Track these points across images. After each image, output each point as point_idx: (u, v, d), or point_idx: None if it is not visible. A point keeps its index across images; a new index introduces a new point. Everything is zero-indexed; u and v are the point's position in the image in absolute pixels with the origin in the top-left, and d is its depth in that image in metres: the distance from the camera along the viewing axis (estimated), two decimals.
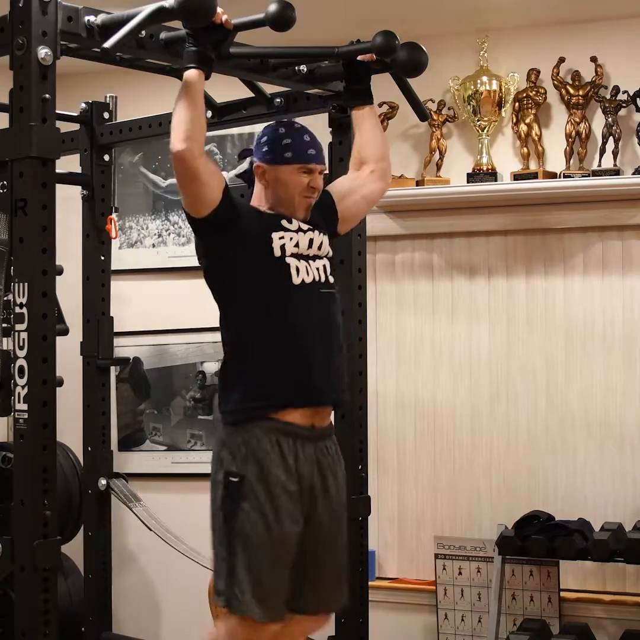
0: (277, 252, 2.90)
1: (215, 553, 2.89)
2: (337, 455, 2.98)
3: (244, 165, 3.15)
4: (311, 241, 2.97)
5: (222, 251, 2.90)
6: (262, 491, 2.80)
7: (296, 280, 2.90)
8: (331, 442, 2.97)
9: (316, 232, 3.00)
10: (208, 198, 2.83)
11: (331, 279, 3.00)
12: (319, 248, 2.99)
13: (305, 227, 2.98)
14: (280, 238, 2.92)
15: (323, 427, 2.93)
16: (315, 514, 2.90)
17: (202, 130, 2.80)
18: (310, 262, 2.95)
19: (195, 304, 4.80)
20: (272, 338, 2.88)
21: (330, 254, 3.05)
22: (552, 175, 4.42)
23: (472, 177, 4.50)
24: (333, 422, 3.02)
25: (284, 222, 2.95)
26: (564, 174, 4.39)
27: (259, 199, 3.01)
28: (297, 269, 2.91)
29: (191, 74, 2.78)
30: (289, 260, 2.91)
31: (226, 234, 2.88)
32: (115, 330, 4.26)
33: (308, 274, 2.93)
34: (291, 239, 2.93)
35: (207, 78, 2.82)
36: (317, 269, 2.96)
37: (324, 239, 3.02)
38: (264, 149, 2.97)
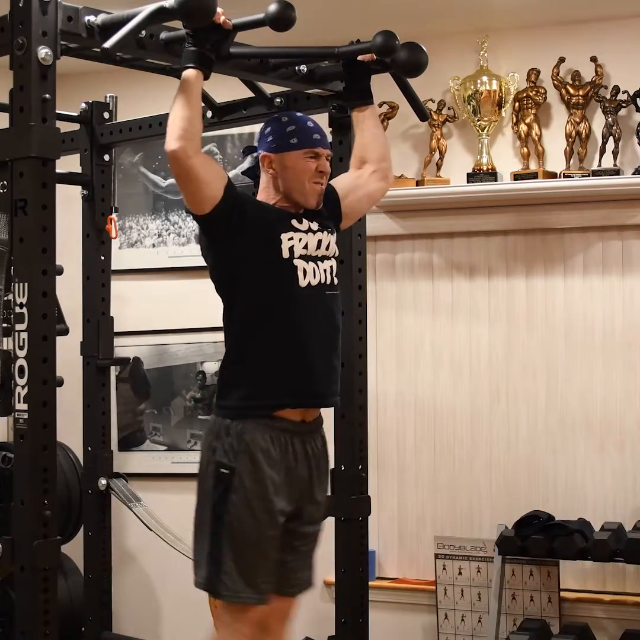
0: (286, 254, 2.90)
1: (197, 541, 2.93)
2: (324, 447, 3.03)
3: (248, 162, 3.14)
4: (320, 242, 2.97)
5: (227, 247, 2.89)
6: (251, 486, 2.83)
7: (302, 282, 2.90)
8: (319, 435, 3.01)
9: (325, 232, 3.00)
10: (207, 196, 2.82)
11: (336, 281, 3.01)
12: (327, 248, 2.99)
13: (314, 227, 2.97)
14: (289, 239, 2.91)
15: (311, 421, 2.98)
16: (302, 507, 2.95)
17: (198, 130, 2.79)
18: (318, 263, 2.95)
19: (195, 304, 4.81)
20: (275, 339, 2.89)
21: (337, 253, 3.05)
22: (552, 175, 4.42)
23: (472, 177, 4.49)
24: (321, 415, 3.06)
25: (294, 222, 2.94)
26: (564, 174, 4.39)
27: (266, 193, 2.99)
28: (305, 271, 2.91)
29: (189, 73, 2.78)
30: (296, 262, 2.91)
31: (231, 231, 2.87)
32: (115, 330, 4.27)
33: (315, 276, 2.93)
34: (300, 239, 2.92)
35: (206, 78, 2.82)
36: (325, 270, 2.96)
37: (332, 239, 3.02)
38: (268, 139, 2.96)
